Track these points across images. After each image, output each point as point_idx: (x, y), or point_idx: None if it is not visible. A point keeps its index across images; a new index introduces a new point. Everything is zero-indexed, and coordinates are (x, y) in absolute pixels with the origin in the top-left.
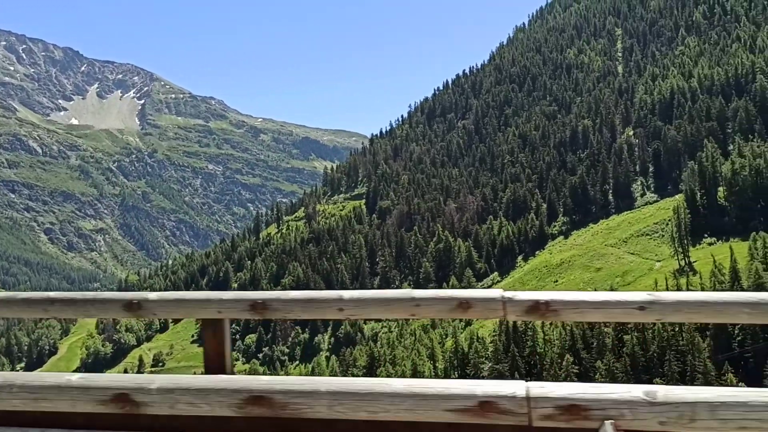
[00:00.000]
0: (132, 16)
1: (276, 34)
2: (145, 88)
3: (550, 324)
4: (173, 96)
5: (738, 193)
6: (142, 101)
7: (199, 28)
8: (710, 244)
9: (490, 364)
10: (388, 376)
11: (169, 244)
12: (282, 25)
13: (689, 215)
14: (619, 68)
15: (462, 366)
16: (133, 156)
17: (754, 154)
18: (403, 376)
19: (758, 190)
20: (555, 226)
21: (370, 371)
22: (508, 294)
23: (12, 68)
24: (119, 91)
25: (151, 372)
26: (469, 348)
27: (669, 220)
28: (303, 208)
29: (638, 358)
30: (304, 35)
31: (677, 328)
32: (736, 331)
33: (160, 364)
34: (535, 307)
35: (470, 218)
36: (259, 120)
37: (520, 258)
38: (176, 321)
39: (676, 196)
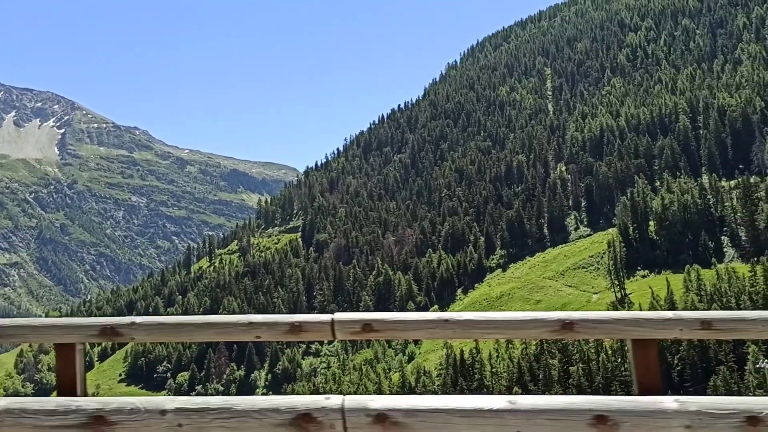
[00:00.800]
0: (53, 43)
1: (203, 64)
2: (66, 117)
3: (497, 357)
4: (95, 125)
5: (668, 228)
6: (63, 130)
7: (122, 57)
8: (643, 276)
9: None
10: None
11: (88, 278)
12: (209, 55)
13: (624, 248)
14: (550, 106)
15: None
16: (52, 187)
17: (682, 190)
18: None
19: (686, 224)
20: (493, 259)
21: None
22: (338, 316)
23: None
24: (38, 119)
25: None
26: (416, 382)
27: (603, 254)
28: (236, 241)
29: (584, 389)
30: (232, 66)
31: (620, 360)
32: (675, 361)
33: None
34: (366, 326)
35: (409, 251)
36: (186, 151)
37: (459, 291)
38: (102, 359)
39: (609, 230)
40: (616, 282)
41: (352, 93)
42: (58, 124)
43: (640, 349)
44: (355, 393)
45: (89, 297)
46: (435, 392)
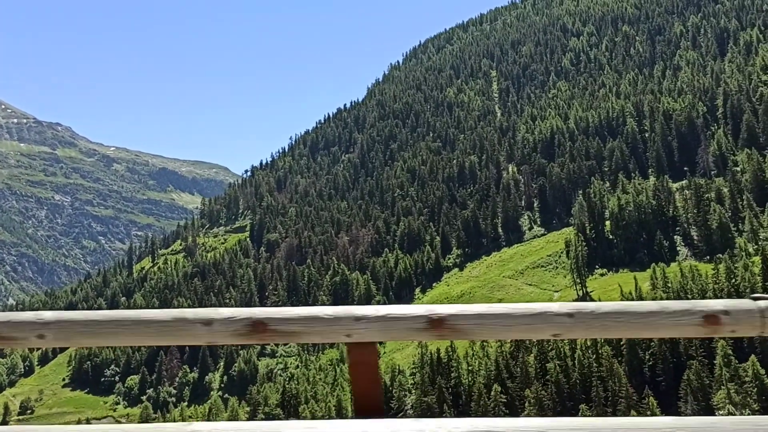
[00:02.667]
0: None
1: (128, 59)
2: None
3: (473, 354)
4: (15, 120)
5: (624, 227)
6: None
7: (44, 50)
8: (602, 274)
9: (414, 396)
10: (313, 413)
11: (9, 280)
12: (134, 49)
13: (587, 248)
14: (496, 108)
15: (386, 400)
16: None
17: (637, 191)
18: (328, 413)
19: (641, 224)
20: (450, 258)
21: (289, 410)
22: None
23: None
24: None
25: (19, 421)
26: (392, 381)
27: (561, 253)
28: (180, 241)
29: (562, 385)
30: (159, 62)
31: (594, 356)
32: (647, 357)
33: (29, 411)
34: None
35: (365, 251)
36: (112, 149)
37: (417, 290)
38: (43, 363)
39: (564, 230)
40: (578, 280)
41: (285, 93)
42: None
43: None
44: (332, 393)
45: (10, 300)
46: (409, 391)
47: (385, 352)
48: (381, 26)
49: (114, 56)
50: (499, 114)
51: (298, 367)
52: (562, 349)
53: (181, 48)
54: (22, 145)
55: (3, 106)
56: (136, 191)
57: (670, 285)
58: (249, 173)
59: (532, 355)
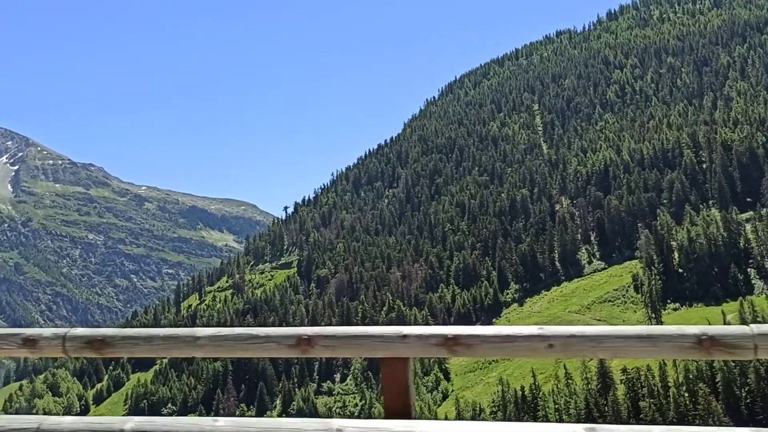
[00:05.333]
0: (5, 78)
1: (155, 101)
2: (20, 154)
3: (559, 392)
4: (51, 162)
5: (696, 260)
6: (16, 167)
7: (76, 93)
8: (675, 309)
9: None
10: None
11: (44, 319)
12: (163, 91)
13: (660, 282)
14: (542, 141)
15: None
16: (5, 225)
17: (707, 223)
18: None
19: (713, 256)
20: (508, 293)
21: None
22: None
23: None
24: None
25: None
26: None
27: (628, 287)
28: (226, 278)
29: (658, 424)
30: (186, 102)
31: (687, 393)
32: (743, 394)
33: None
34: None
35: (419, 287)
36: (143, 188)
37: (477, 325)
38: (98, 402)
39: (627, 263)
40: (653, 315)
41: (307, 130)
42: (12, 160)
43: None
44: None
45: None
46: None
47: (452, 389)
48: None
49: (142, 99)
50: (545, 147)
51: (357, 405)
52: (654, 386)
53: (207, 90)
54: (57, 185)
55: (39, 148)
56: (167, 229)
57: (759, 318)
58: (292, 210)
59: (617, 391)
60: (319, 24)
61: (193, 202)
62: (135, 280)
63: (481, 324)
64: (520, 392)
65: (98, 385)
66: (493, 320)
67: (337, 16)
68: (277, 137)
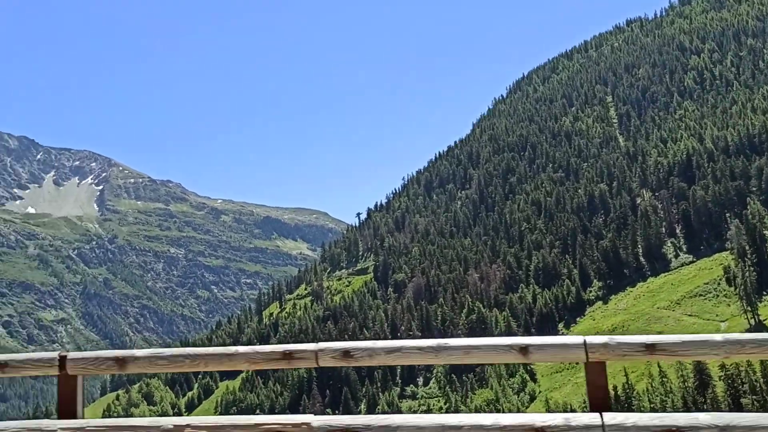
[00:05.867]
0: (87, 102)
1: (227, 115)
2: (103, 174)
3: (653, 390)
4: (132, 180)
5: None
6: (101, 187)
7: (153, 113)
8: None
9: None
10: None
11: (133, 331)
12: (233, 107)
13: (754, 273)
14: (617, 133)
15: None
16: (94, 242)
17: None
18: None
19: None
20: (591, 291)
21: None
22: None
23: None
24: (76, 177)
25: None
26: None
27: (720, 280)
28: (304, 285)
29: None
30: (256, 116)
31: None
32: None
33: None
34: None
35: (498, 287)
36: (219, 201)
37: (561, 325)
38: (190, 410)
39: (717, 255)
40: (749, 308)
41: (379, 136)
42: (96, 181)
43: None
44: None
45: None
46: None
47: (540, 391)
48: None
49: (214, 115)
50: (621, 140)
51: (441, 408)
52: (756, 382)
53: (275, 102)
54: (138, 203)
55: (121, 168)
56: (244, 240)
57: None
58: (365, 216)
59: (715, 388)
60: (381, 30)
61: (267, 213)
62: (215, 290)
63: (565, 323)
64: (613, 392)
65: (189, 394)
66: (577, 319)
67: (400, 20)
68: (344, 145)
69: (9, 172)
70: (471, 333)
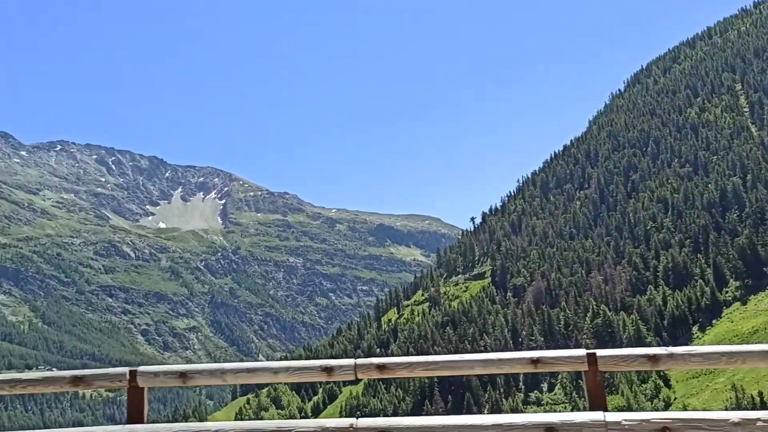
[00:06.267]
0: (209, 121)
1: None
2: (225, 189)
3: None
4: (252, 194)
5: None
6: (223, 201)
7: (268, 127)
8: None
9: None
10: None
11: (257, 338)
12: (345, 117)
13: None
14: (749, 123)
15: None
16: (219, 254)
17: None
18: None
19: None
20: (727, 292)
21: None
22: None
23: (103, 179)
24: (201, 193)
25: None
26: None
27: None
28: (420, 291)
29: None
30: (365, 125)
31: None
32: None
33: None
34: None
35: (623, 290)
36: (333, 211)
37: (695, 328)
38: (315, 413)
39: None
40: None
41: (489, 139)
42: (219, 195)
43: None
44: None
45: (260, 357)
46: None
47: (676, 398)
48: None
49: (326, 127)
50: (754, 129)
51: None
52: None
53: (385, 112)
54: (258, 215)
55: (241, 182)
56: (358, 248)
57: None
58: (479, 220)
59: None
60: (489, 28)
61: (380, 221)
62: (333, 298)
63: (699, 326)
64: (758, 398)
65: (314, 398)
66: (713, 321)
67: (507, 18)
68: (455, 149)
69: (141, 190)
70: (597, 337)
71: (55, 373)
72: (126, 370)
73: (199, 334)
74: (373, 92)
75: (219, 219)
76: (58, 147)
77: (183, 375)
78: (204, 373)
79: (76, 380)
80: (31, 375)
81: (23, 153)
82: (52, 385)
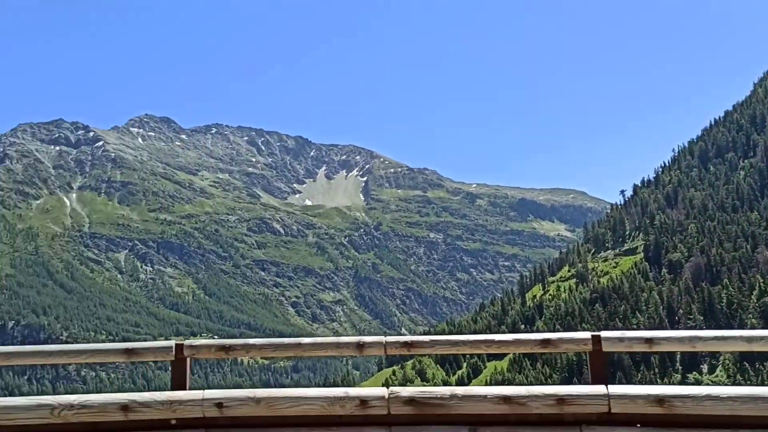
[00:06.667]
0: (350, 99)
1: (478, 99)
2: (367, 166)
3: None
4: (392, 170)
5: None
6: (365, 178)
7: (407, 106)
8: None
9: None
10: None
11: (400, 312)
12: (484, 91)
13: None
14: None
15: None
16: (362, 230)
17: None
18: None
19: None
20: None
21: None
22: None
23: (254, 159)
24: (344, 170)
25: None
26: None
27: None
28: (567, 267)
29: None
30: (505, 97)
31: None
32: None
33: None
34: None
35: None
36: (473, 186)
37: None
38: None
39: None
40: None
41: (634, 106)
42: (361, 172)
43: None
44: None
45: (403, 330)
46: None
47: None
48: (751, 12)
49: (464, 100)
50: None
51: None
52: None
53: (525, 82)
54: (399, 191)
55: (382, 159)
56: (499, 223)
57: None
58: (630, 193)
59: None
60: None
61: (522, 195)
62: (474, 273)
63: None
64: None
65: (459, 372)
66: None
67: None
68: (600, 121)
69: (289, 169)
70: (764, 317)
71: (110, 345)
72: (173, 343)
73: (345, 307)
74: (511, 62)
75: (361, 196)
76: (213, 130)
77: (222, 348)
78: (237, 347)
79: (128, 352)
80: (90, 347)
81: (183, 136)
82: (108, 356)
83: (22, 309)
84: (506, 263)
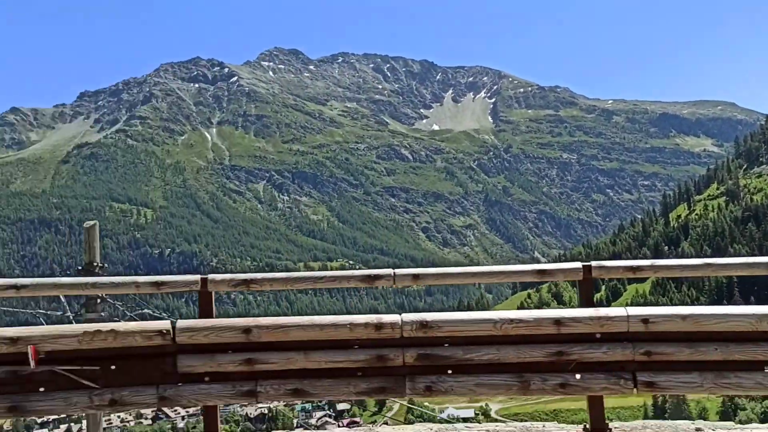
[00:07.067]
0: (476, 19)
1: (614, 11)
2: (495, 87)
3: None
4: (521, 90)
5: None
6: (493, 99)
7: (534, 21)
8: None
9: None
10: None
11: (532, 235)
12: (614, 4)
13: None
14: None
15: None
16: (491, 153)
17: None
18: None
19: None
20: None
21: None
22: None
23: (380, 86)
24: (471, 93)
25: None
26: None
27: None
28: (715, 185)
29: None
30: (646, 7)
31: None
32: None
33: None
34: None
35: None
36: (609, 102)
37: None
38: None
39: None
40: None
41: None
42: (489, 94)
43: None
44: None
45: (536, 254)
46: None
47: None
48: None
49: (589, 18)
50: None
51: None
52: None
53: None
54: (529, 111)
55: (510, 79)
56: (638, 141)
57: None
58: None
59: None
60: None
61: (663, 109)
62: (611, 194)
63: None
64: None
65: (597, 295)
66: None
67: None
68: (748, 25)
69: (415, 94)
70: None
71: (140, 278)
72: (198, 277)
73: (476, 231)
74: None
75: (489, 118)
76: (340, 59)
77: (244, 282)
78: (257, 281)
79: (157, 284)
80: (117, 279)
81: (311, 67)
82: (138, 288)
83: (176, 237)
84: (646, 182)
